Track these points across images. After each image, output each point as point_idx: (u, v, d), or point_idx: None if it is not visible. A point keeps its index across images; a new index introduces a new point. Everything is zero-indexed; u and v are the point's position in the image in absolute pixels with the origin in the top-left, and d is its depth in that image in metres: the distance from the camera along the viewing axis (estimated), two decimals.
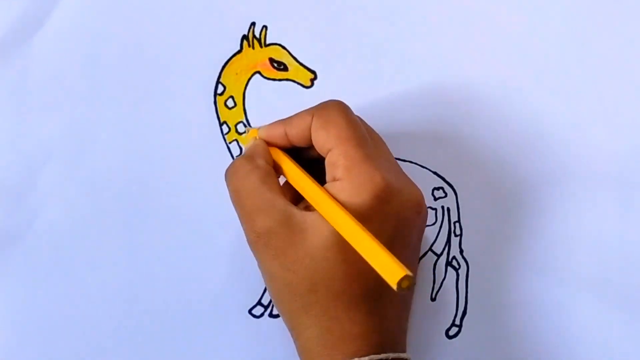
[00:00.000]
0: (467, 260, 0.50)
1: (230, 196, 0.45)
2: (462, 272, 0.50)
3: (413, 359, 0.49)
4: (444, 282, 0.50)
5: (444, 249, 0.50)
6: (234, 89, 0.51)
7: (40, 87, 0.51)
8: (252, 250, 0.44)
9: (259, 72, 0.51)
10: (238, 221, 0.50)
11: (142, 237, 0.51)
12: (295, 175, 0.44)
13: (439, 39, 0.50)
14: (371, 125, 0.50)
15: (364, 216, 0.41)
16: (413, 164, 0.50)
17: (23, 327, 0.51)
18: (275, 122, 0.46)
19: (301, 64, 0.51)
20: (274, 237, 0.43)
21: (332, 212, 0.41)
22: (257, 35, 0.51)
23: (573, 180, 0.50)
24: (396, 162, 0.46)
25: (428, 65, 0.50)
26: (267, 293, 0.51)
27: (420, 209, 0.44)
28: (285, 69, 0.51)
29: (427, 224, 0.50)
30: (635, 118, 0.50)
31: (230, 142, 0.51)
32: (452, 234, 0.50)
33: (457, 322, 0.50)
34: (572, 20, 0.50)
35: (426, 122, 0.50)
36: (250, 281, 0.50)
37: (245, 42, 0.51)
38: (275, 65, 0.51)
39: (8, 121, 0.51)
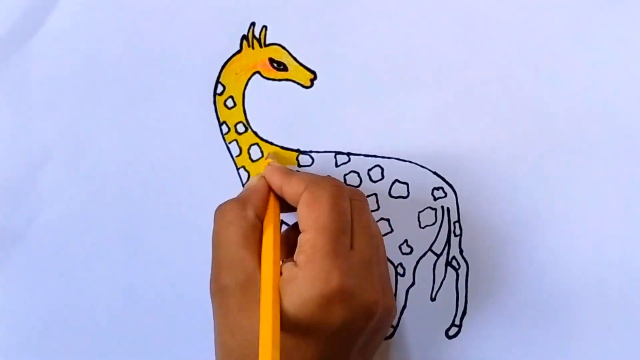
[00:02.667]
0: (467, 260, 0.50)
1: (212, 235, 0.45)
2: (462, 272, 0.50)
3: (413, 359, 0.49)
4: (444, 282, 0.50)
5: (443, 249, 0.50)
6: (234, 89, 0.51)
7: (40, 87, 0.51)
8: (211, 298, 0.44)
9: (258, 72, 0.51)
10: None
11: (142, 236, 0.51)
12: (266, 242, 0.43)
13: (439, 39, 0.50)
14: (370, 125, 0.50)
15: (305, 316, 0.40)
16: (413, 164, 0.50)
17: (23, 327, 0.51)
18: (279, 170, 0.46)
19: (301, 64, 0.51)
20: (230, 296, 0.42)
21: (264, 302, 0.40)
22: (257, 35, 0.51)
23: (573, 180, 0.50)
24: (374, 260, 0.44)
25: (428, 65, 0.50)
26: None
27: (371, 314, 0.42)
28: (285, 69, 0.51)
29: (427, 224, 0.50)
30: (635, 118, 0.50)
31: (229, 142, 0.51)
32: (452, 234, 0.50)
33: (457, 322, 0.50)
34: (572, 19, 0.50)
35: (426, 122, 0.50)
36: None
37: (245, 42, 0.51)
38: (275, 65, 0.51)
39: (8, 121, 0.51)
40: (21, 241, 0.51)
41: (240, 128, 0.51)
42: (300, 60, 0.51)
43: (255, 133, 0.51)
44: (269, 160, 0.49)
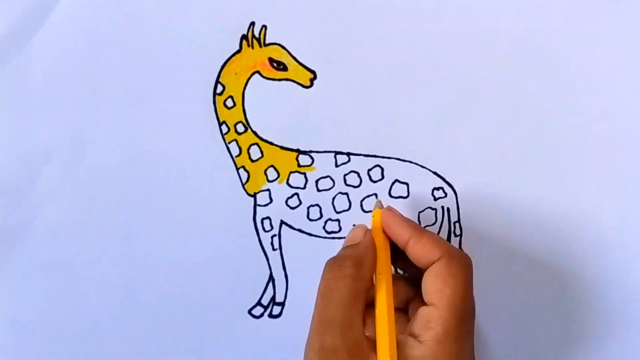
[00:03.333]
0: None
1: (319, 286, 0.43)
2: None
3: None
4: None
5: None
6: (234, 89, 0.51)
7: (40, 87, 0.51)
8: (306, 350, 0.41)
9: (258, 72, 0.51)
10: (238, 221, 0.51)
11: (142, 236, 0.51)
12: (380, 308, 0.42)
13: (439, 39, 0.50)
14: (370, 125, 0.50)
15: None
16: (413, 164, 0.50)
17: (23, 327, 0.51)
18: (405, 221, 0.44)
19: (301, 64, 0.51)
20: (336, 357, 0.40)
21: None
22: (257, 35, 0.51)
23: (573, 180, 0.50)
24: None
25: (428, 65, 0.50)
26: (267, 293, 0.51)
27: None
28: (285, 68, 0.51)
29: (427, 224, 0.50)
30: (635, 117, 0.50)
31: (229, 142, 0.51)
32: (452, 234, 0.50)
33: None
34: (572, 19, 0.50)
35: (426, 122, 0.50)
36: (250, 281, 0.50)
37: (244, 41, 0.51)
38: (275, 65, 0.51)
39: (8, 121, 0.51)
40: (21, 241, 0.51)
41: (240, 128, 0.51)
42: (300, 60, 0.51)
43: (255, 133, 0.51)
44: (379, 204, 0.47)
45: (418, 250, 0.43)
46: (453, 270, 0.42)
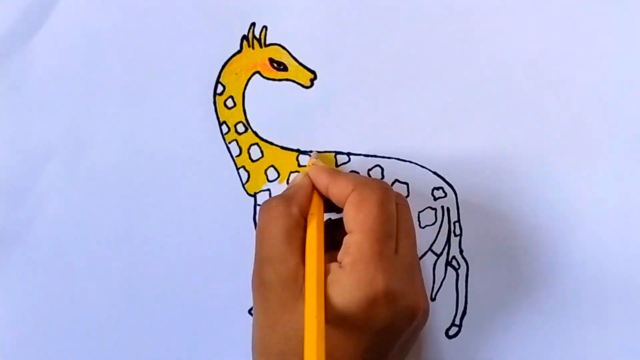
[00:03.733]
0: (467, 260, 0.50)
1: (256, 231, 0.45)
2: (462, 272, 0.50)
3: (413, 358, 0.49)
4: (444, 282, 0.50)
5: (443, 248, 0.50)
6: (234, 89, 0.51)
7: (40, 87, 0.51)
8: (252, 286, 0.45)
9: (258, 72, 0.51)
10: (237, 221, 0.51)
11: (142, 236, 0.51)
12: (310, 240, 0.44)
13: (439, 39, 0.50)
14: (370, 125, 0.50)
15: (349, 316, 0.41)
16: (413, 164, 0.50)
17: (23, 327, 0.51)
18: (325, 169, 0.46)
19: (301, 64, 0.51)
20: (272, 292, 0.43)
21: (309, 300, 0.41)
22: (257, 35, 0.51)
23: (573, 180, 0.50)
24: (415, 264, 0.45)
25: (428, 65, 0.50)
26: None
27: (413, 317, 0.43)
28: (285, 69, 0.51)
29: (427, 223, 0.50)
30: (636, 117, 0.50)
31: (229, 142, 0.51)
32: (452, 234, 0.50)
33: (457, 322, 0.50)
34: (572, 19, 0.50)
35: (426, 122, 0.50)
36: (250, 281, 0.50)
37: (245, 42, 0.51)
38: (275, 65, 0.51)
39: (8, 121, 0.51)
40: (21, 241, 0.51)
41: (240, 128, 0.51)
42: (300, 60, 0.51)
43: (255, 133, 0.51)
44: (313, 159, 0.49)
45: (336, 191, 0.45)
46: (365, 196, 0.43)
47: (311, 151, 0.51)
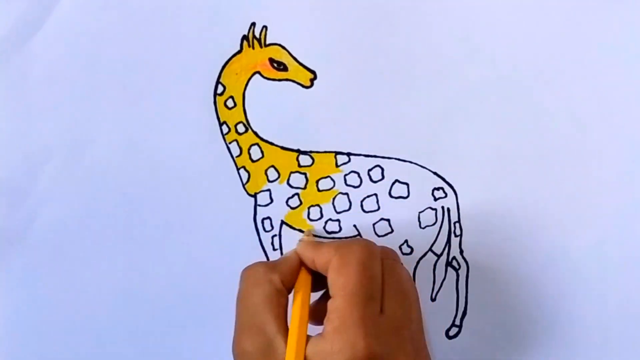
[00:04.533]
0: (467, 260, 0.50)
1: (237, 295, 0.45)
2: (462, 272, 0.50)
3: None
4: (444, 282, 0.50)
5: (444, 249, 0.50)
6: (234, 89, 0.51)
7: (40, 87, 0.51)
8: (233, 354, 0.44)
9: (258, 72, 0.51)
10: (238, 221, 0.51)
11: (142, 237, 0.51)
12: (294, 314, 0.43)
13: (439, 39, 0.50)
14: (370, 125, 0.50)
15: None
16: (413, 164, 0.50)
17: (23, 327, 0.51)
18: (311, 244, 0.46)
19: (301, 64, 0.51)
20: None
21: None
22: (257, 35, 0.51)
23: (573, 180, 0.50)
24: (406, 322, 0.43)
25: (428, 65, 0.50)
26: None
27: None
28: (285, 69, 0.51)
29: (427, 224, 0.50)
30: (635, 118, 0.50)
31: (230, 142, 0.51)
32: (452, 234, 0.50)
33: (457, 322, 0.50)
34: (572, 19, 0.50)
35: (426, 122, 0.50)
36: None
37: (245, 42, 0.51)
38: (275, 65, 0.51)
39: (8, 121, 0.51)
40: (21, 241, 0.51)
41: (241, 128, 0.51)
42: (300, 60, 0.51)
43: (255, 133, 0.51)
44: (305, 237, 0.49)
45: (320, 261, 0.44)
46: (344, 260, 0.43)
47: (310, 151, 0.51)
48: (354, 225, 0.50)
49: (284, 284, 0.44)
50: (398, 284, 0.44)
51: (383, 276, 0.43)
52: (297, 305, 0.44)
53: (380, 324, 0.41)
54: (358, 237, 0.49)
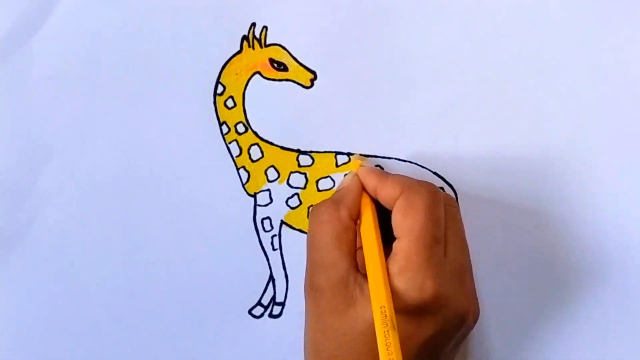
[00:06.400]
0: None
1: (307, 236, 0.45)
2: None
3: None
4: None
5: None
6: (234, 89, 0.51)
7: (40, 87, 0.51)
8: (304, 290, 0.45)
9: (258, 73, 0.51)
10: (238, 221, 0.51)
11: (142, 237, 0.51)
12: (366, 240, 0.44)
13: (439, 39, 0.50)
14: (370, 125, 0.50)
15: (398, 323, 0.40)
16: (413, 164, 0.50)
17: (23, 327, 0.51)
18: (374, 171, 0.46)
19: (301, 64, 0.51)
20: (323, 297, 0.43)
21: (375, 300, 0.41)
22: (257, 35, 0.51)
23: (573, 180, 0.50)
24: (465, 267, 0.45)
25: (428, 65, 0.50)
26: (267, 293, 0.51)
27: (462, 322, 0.43)
28: (285, 69, 0.51)
29: None
30: (635, 118, 0.50)
31: (229, 142, 0.51)
32: None
33: None
34: (572, 19, 0.50)
35: (426, 122, 0.50)
36: (250, 281, 0.50)
37: (245, 42, 0.51)
38: (275, 65, 0.51)
39: (8, 121, 0.51)
40: (21, 241, 0.51)
41: (241, 128, 0.51)
42: (300, 60, 0.51)
43: (255, 133, 0.51)
44: (359, 160, 0.49)
45: (384, 194, 0.45)
46: (412, 201, 0.43)
47: (310, 151, 0.51)
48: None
49: (351, 217, 0.44)
50: (459, 230, 0.45)
51: (446, 221, 0.44)
52: (369, 231, 0.44)
53: (445, 267, 0.43)
54: (423, 181, 0.47)
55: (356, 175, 0.47)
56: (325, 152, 0.51)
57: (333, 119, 0.51)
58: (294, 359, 0.47)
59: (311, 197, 0.51)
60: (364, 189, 0.46)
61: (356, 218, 0.45)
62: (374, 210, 0.46)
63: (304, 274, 0.45)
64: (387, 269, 0.42)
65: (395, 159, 0.50)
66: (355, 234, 0.44)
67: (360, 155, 0.50)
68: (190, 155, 0.51)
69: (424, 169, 0.50)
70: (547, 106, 0.50)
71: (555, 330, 0.50)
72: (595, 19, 0.50)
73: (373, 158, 0.50)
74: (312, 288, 0.44)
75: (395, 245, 0.43)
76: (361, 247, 0.44)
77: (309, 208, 0.51)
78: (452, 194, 0.50)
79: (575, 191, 0.50)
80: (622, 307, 0.50)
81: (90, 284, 0.51)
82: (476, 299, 0.45)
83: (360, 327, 0.42)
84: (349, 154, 0.50)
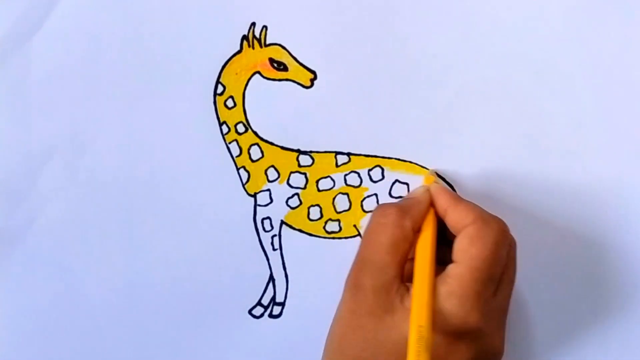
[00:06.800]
0: None
1: (365, 229, 0.45)
2: None
3: None
4: None
5: None
6: (234, 89, 0.51)
7: (40, 87, 0.51)
8: (345, 283, 0.45)
9: (258, 72, 0.51)
10: (238, 221, 0.51)
11: (142, 237, 0.51)
12: (420, 256, 0.44)
13: (439, 39, 0.50)
14: (370, 125, 0.50)
15: (436, 344, 0.41)
16: (413, 164, 0.50)
17: (23, 327, 0.51)
18: (447, 192, 0.47)
19: (301, 64, 0.51)
20: (363, 296, 0.43)
21: (414, 318, 0.41)
22: (257, 35, 0.51)
23: (573, 180, 0.50)
24: (506, 312, 0.45)
25: (428, 65, 0.50)
26: (267, 293, 0.51)
27: (492, 358, 0.44)
28: (285, 69, 0.51)
29: None
30: (635, 118, 0.50)
31: (229, 142, 0.51)
32: None
33: None
34: (572, 19, 0.50)
35: (426, 122, 0.50)
36: (250, 281, 0.50)
37: (245, 42, 0.51)
38: (275, 65, 0.51)
39: (8, 121, 0.51)
40: (21, 241, 0.51)
41: (241, 128, 0.51)
42: (300, 60, 0.51)
43: (255, 133, 0.51)
44: (433, 177, 0.49)
45: (454, 217, 0.45)
46: (483, 233, 0.43)
47: (310, 151, 0.51)
48: (354, 226, 0.50)
49: (414, 228, 0.45)
50: (513, 275, 0.45)
51: (506, 262, 0.44)
52: (426, 245, 0.44)
53: (492, 306, 0.43)
54: (496, 216, 0.47)
55: (428, 190, 0.47)
56: (325, 152, 0.51)
57: (333, 119, 0.51)
58: (294, 359, 0.47)
59: (311, 197, 0.51)
60: (432, 205, 0.46)
61: (417, 231, 0.45)
62: (436, 229, 0.46)
63: (350, 272, 0.44)
64: (436, 289, 0.42)
65: (395, 159, 0.50)
66: (411, 246, 0.44)
67: (432, 170, 0.50)
68: (190, 155, 0.51)
69: (424, 169, 0.50)
70: (547, 106, 0.50)
71: (556, 330, 0.50)
72: (595, 19, 0.50)
73: (372, 158, 0.50)
74: (354, 284, 0.44)
75: (450, 268, 0.43)
76: (412, 259, 0.44)
77: (309, 208, 0.51)
78: None
79: (575, 191, 0.50)
80: (623, 307, 0.50)
81: (90, 284, 0.51)
82: (504, 342, 0.45)
83: (394, 337, 0.42)
84: (349, 154, 0.50)
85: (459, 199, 0.46)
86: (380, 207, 0.46)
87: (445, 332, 0.41)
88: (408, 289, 0.43)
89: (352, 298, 0.43)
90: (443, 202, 0.46)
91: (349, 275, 0.45)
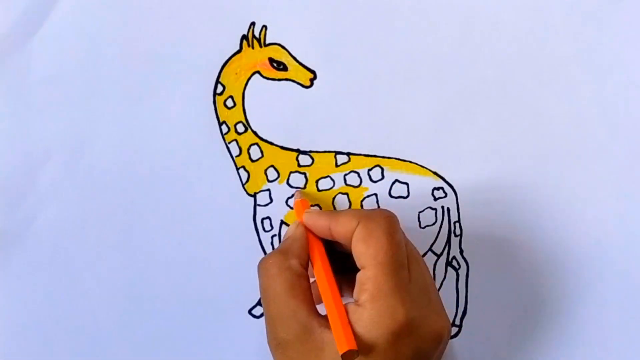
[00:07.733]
0: (467, 260, 0.50)
1: (260, 291, 0.45)
2: (462, 272, 0.50)
3: None
4: (444, 282, 0.50)
5: (444, 249, 0.50)
6: (234, 89, 0.51)
7: (40, 87, 0.51)
8: (270, 348, 0.44)
9: (258, 72, 0.51)
10: (238, 221, 0.51)
11: (142, 237, 0.51)
12: (322, 283, 0.44)
13: (439, 39, 0.50)
14: (370, 125, 0.50)
15: (377, 350, 0.41)
16: (413, 164, 0.50)
17: (23, 327, 0.51)
18: (322, 213, 0.46)
19: (301, 64, 0.51)
20: (290, 349, 0.42)
21: (339, 341, 0.41)
22: (257, 35, 0.51)
23: (573, 180, 0.50)
24: (429, 285, 0.45)
25: (428, 65, 0.50)
26: None
27: (440, 340, 0.43)
28: (285, 68, 0.51)
29: (427, 224, 0.50)
30: (635, 118, 0.50)
31: (229, 142, 0.51)
32: (452, 234, 0.50)
33: (457, 322, 0.50)
34: (572, 20, 0.50)
35: (426, 122, 0.50)
36: (250, 281, 0.50)
37: (244, 42, 0.51)
38: (275, 65, 0.51)
39: (8, 121, 0.51)
40: (21, 241, 0.51)
41: (240, 128, 0.51)
42: (300, 60, 0.51)
43: (255, 133, 0.51)
44: (298, 198, 0.49)
45: (339, 230, 0.44)
46: (371, 229, 0.43)
47: (310, 151, 0.51)
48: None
49: (302, 265, 0.44)
50: (416, 251, 0.45)
51: (405, 242, 0.44)
52: (321, 274, 0.44)
53: (411, 290, 0.43)
54: (376, 208, 0.47)
55: (299, 224, 0.47)
56: (325, 152, 0.51)
57: (333, 119, 0.51)
58: None
59: (311, 197, 0.51)
60: (312, 233, 0.46)
61: (306, 265, 0.45)
62: (324, 252, 0.46)
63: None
64: (358, 300, 0.42)
65: (395, 159, 0.50)
66: (309, 280, 0.44)
67: (300, 190, 0.50)
68: (190, 155, 0.51)
69: (424, 169, 0.50)
70: (547, 106, 0.50)
71: (555, 330, 0.50)
72: (595, 19, 0.50)
73: (372, 158, 0.50)
74: (276, 342, 0.43)
75: (360, 275, 0.43)
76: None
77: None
78: (452, 194, 0.50)
79: (575, 191, 0.50)
80: (623, 307, 0.50)
81: (90, 284, 0.51)
82: (445, 312, 0.45)
83: None
84: (348, 154, 0.50)
85: (336, 213, 0.45)
86: (260, 262, 0.45)
87: (383, 337, 0.41)
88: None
89: (282, 355, 0.43)
90: (322, 224, 0.45)
91: (267, 337, 0.44)
